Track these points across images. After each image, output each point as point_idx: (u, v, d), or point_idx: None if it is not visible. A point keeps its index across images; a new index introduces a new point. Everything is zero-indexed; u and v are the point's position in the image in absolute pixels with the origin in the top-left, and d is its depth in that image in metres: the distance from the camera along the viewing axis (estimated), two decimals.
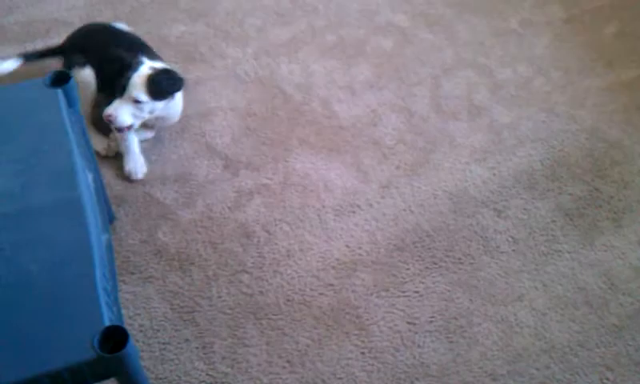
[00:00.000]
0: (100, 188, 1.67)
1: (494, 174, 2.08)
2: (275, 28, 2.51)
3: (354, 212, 1.95)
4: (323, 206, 1.96)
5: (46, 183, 1.28)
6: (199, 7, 2.56)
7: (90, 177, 1.42)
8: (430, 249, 1.87)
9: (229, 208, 1.93)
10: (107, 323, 1.09)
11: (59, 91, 1.43)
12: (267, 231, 1.88)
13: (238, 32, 2.48)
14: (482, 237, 1.91)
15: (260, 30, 2.49)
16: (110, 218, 1.82)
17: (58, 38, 2.29)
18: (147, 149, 2.07)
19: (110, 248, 1.44)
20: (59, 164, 1.31)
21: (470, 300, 1.77)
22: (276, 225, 1.90)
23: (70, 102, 1.46)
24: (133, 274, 1.76)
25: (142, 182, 1.98)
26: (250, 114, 2.20)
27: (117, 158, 2.04)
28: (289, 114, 2.21)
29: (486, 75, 2.40)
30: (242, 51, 2.41)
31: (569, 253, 1.89)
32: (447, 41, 2.52)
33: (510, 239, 1.91)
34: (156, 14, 2.48)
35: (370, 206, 1.97)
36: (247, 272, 1.78)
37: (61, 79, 1.46)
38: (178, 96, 2.03)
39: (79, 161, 1.33)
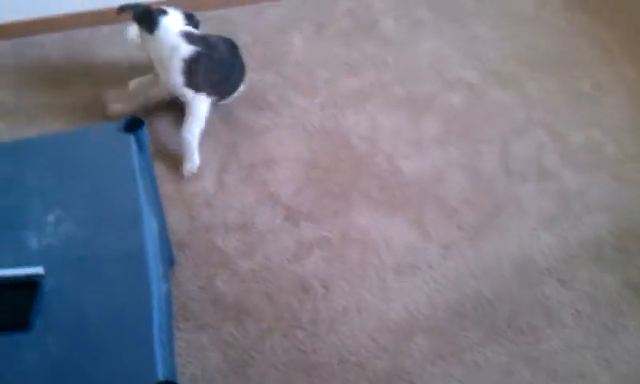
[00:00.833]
0: (163, 232, 1.70)
1: (561, 242, 2.02)
2: (344, 79, 2.52)
3: (413, 272, 1.92)
4: (383, 264, 1.93)
5: (112, 230, 1.30)
6: (270, 55, 2.60)
7: (154, 224, 1.44)
8: (490, 317, 1.82)
9: (288, 260, 1.93)
10: (160, 378, 1.09)
11: (131, 137, 1.46)
12: (325, 287, 1.87)
13: (307, 82, 2.50)
14: (545, 307, 1.85)
15: (329, 81, 2.51)
16: (170, 262, 1.84)
17: None
18: (211, 195, 2.09)
19: (168, 297, 1.46)
20: (126, 212, 1.33)
21: (531, 374, 1.71)
22: (334, 280, 1.88)
23: (141, 147, 1.49)
24: (188, 320, 1.77)
25: (204, 228, 2.00)
26: (314, 165, 2.21)
27: (184, 203, 2.07)
28: (353, 166, 2.21)
29: (556, 137, 2.34)
30: (309, 101, 2.43)
31: (635, 329, 1.81)
32: (518, 100, 2.48)
33: (574, 312, 1.84)
34: None
35: (431, 267, 1.93)
36: (302, 328, 1.77)
37: (134, 125, 1.50)
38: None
39: (146, 209, 1.36)
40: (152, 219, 1.41)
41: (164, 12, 2.26)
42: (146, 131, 1.50)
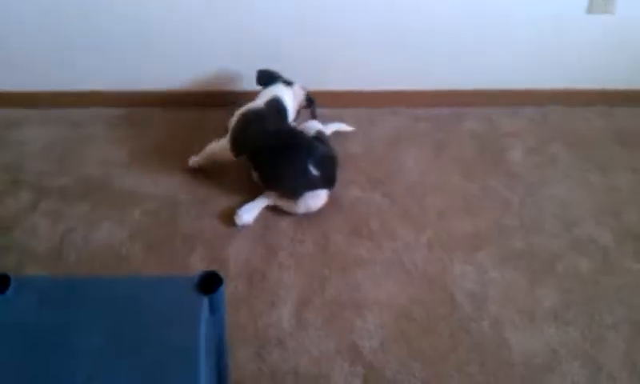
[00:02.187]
0: None
1: None
2: (458, 216, 2.30)
3: None
4: None
5: None
6: (380, 172, 2.42)
7: None
8: None
9: None
10: None
11: (205, 300, 1.29)
12: None
13: (415, 211, 2.30)
14: None
15: (440, 215, 2.29)
16: None
17: None
18: (286, 332, 1.91)
19: None
20: None
21: None
22: None
23: (213, 309, 1.32)
24: None
25: (271, 374, 1.81)
26: (408, 317, 1.98)
27: (254, 336, 1.90)
28: (452, 328, 1.97)
29: None
30: (415, 235, 2.22)
31: None
32: None
33: None
34: None
35: None
36: None
37: (211, 281, 1.33)
38: None
39: None
40: None
41: (286, 82, 2.41)
42: (223, 292, 1.33)
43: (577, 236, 2.28)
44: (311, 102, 2.42)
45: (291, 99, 2.35)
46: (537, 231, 2.27)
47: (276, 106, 2.30)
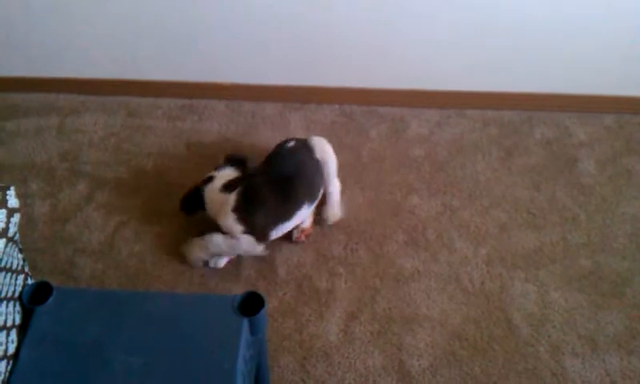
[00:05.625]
0: None
1: None
2: (521, 230, 2.24)
3: None
4: None
5: None
6: (441, 179, 2.38)
7: None
8: None
9: None
10: None
11: (245, 321, 1.31)
12: None
13: (476, 223, 2.25)
14: None
15: (502, 228, 2.24)
16: None
17: None
18: (332, 345, 1.92)
19: None
20: None
21: None
22: None
23: (254, 330, 1.34)
24: None
25: None
26: (461, 338, 1.96)
27: (300, 346, 1.91)
28: (507, 352, 1.93)
29: None
30: (473, 249, 2.18)
31: None
32: None
33: None
34: (393, 180, 2.34)
35: None
36: None
37: (252, 301, 1.34)
38: None
39: None
40: None
41: None
42: (264, 314, 1.34)
43: None
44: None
45: None
46: (605, 251, 2.20)
47: None
